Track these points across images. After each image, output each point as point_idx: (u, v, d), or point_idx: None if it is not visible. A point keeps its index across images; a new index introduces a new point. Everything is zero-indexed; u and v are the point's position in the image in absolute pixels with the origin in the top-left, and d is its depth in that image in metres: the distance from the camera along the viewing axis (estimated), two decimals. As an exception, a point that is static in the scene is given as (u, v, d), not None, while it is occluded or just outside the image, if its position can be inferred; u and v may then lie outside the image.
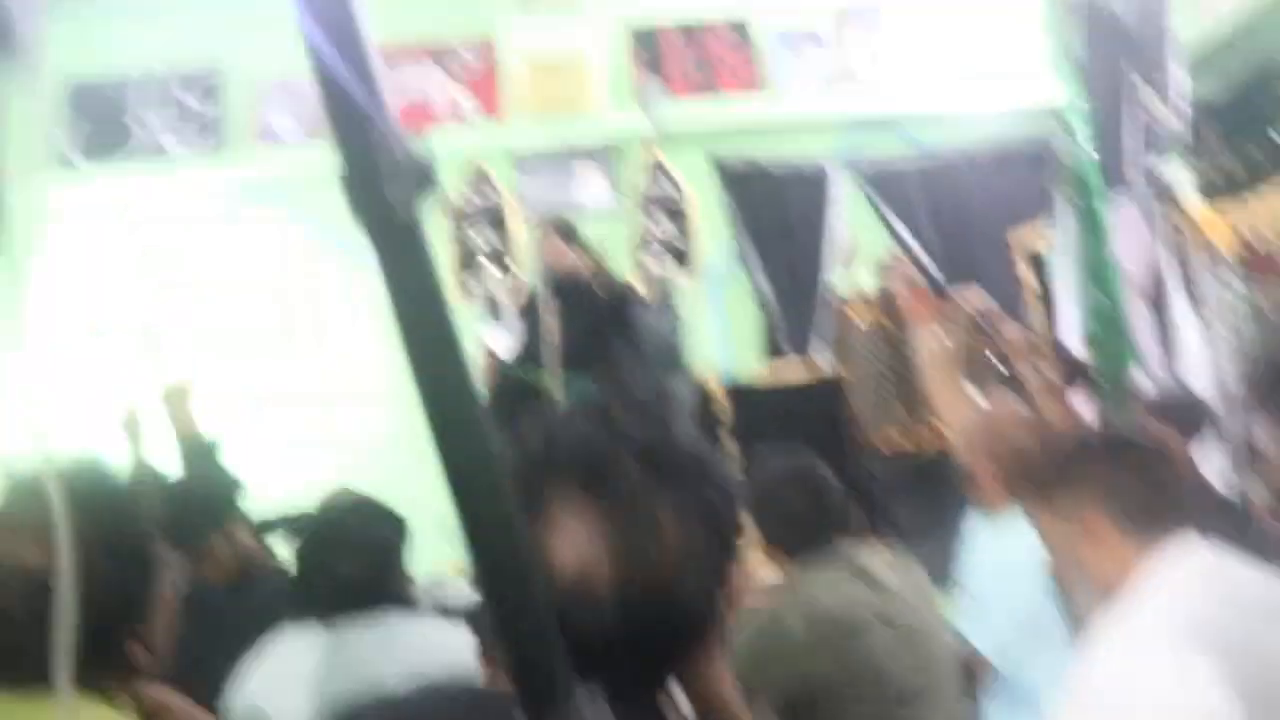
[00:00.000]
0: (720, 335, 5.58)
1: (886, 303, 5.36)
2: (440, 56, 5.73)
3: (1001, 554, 2.60)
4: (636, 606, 0.87)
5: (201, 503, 2.58)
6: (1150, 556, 1.61)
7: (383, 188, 0.60)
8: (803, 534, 2.50)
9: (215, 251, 5.58)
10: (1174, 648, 1.44)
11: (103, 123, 5.67)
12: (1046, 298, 5.44)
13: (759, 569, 2.58)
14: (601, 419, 0.94)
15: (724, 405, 4.78)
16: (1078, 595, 1.73)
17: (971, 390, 3.38)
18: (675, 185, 5.43)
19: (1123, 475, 1.68)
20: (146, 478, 3.13)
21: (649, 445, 0.92)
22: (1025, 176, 5.58)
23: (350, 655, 1.96)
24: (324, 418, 5.19)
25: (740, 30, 5.78)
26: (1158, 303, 4.88)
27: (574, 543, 0.87)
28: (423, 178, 0.62)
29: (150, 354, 4.45)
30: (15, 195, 5.48)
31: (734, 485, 0.98)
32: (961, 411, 2.95)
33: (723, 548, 0.94)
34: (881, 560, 2.55)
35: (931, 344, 3.07)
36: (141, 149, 5.65)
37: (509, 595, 0.67)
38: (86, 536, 1.16)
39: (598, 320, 4.23)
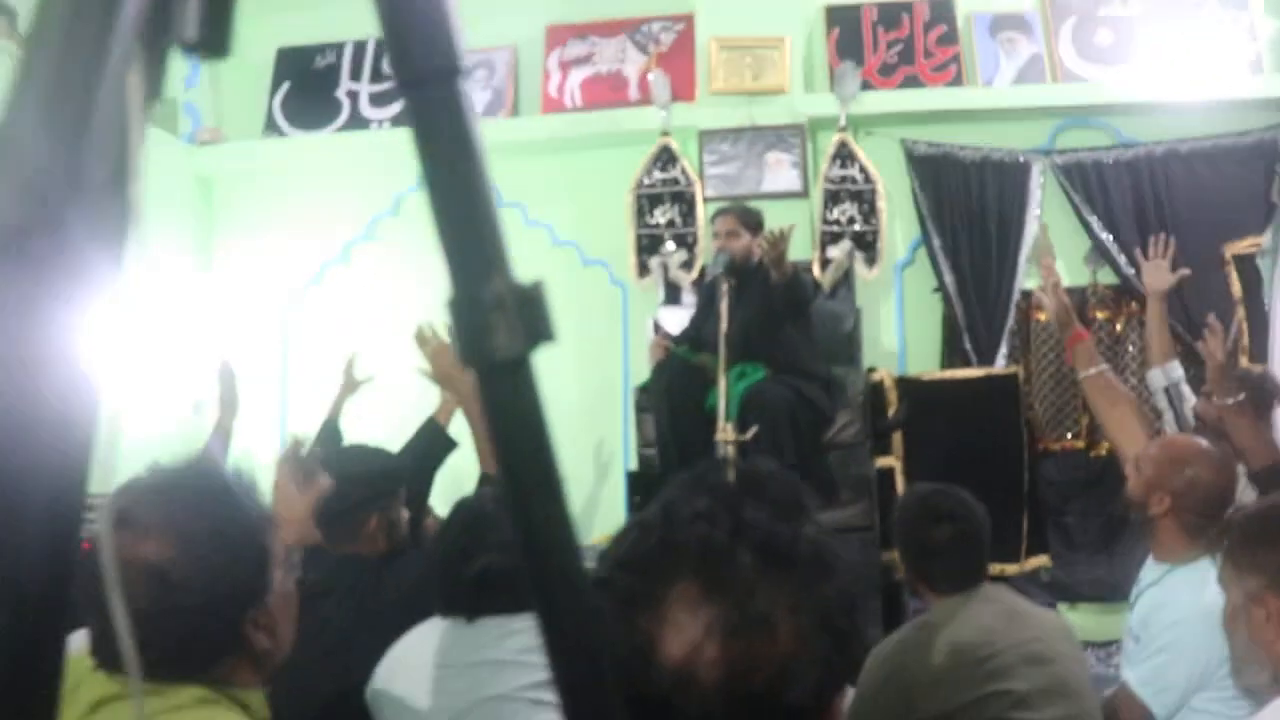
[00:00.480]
0: (899, 328, 5.47)
1: (1075, 301, 5.15)
2: (636, 32, 5.75)
3: (1177, 603, 2.50)
4: (740, 708, 0.85)
5: (366, 485, 2.67)
6: None
7: (489, 334, 0.60)
8: (947, 570, 2.50)
9: (406, 217, 5.76)
10: None
11: (309, 89, 5.90)
12: (1250, 305, 5.15)
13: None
14: (725, 502, 0.90)
15: (894, 399, 4.67)
16: (1246, 662, 1.63)
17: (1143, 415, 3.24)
18: (865, 172, 5.33)
19: None
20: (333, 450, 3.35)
21: (769, 537, 0.89)
22: (1243, 174, 5.27)
23: (485, 655, 2.01)
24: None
25: (943, 12, 5.58)
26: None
27: (682, 636, 0.85)
28: (535, 320, 0.61)
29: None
30: (223, 158, 5.82)
31: (855, 586, 0.94)
32: (1135, 435, 2.82)
33: (840, 655, 0.90)
34: (1024, 600, 2.55)
35: (1092, 370, 2.95)
36: (345, 116, 5.87)
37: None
38: (194, 529, 1.24)
39: (771, 308, 4.20)
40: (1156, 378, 3.31)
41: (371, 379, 4.34)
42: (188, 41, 0.56)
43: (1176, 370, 3.48)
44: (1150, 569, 2.67)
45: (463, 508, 2.25)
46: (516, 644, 2.01)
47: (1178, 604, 2.49)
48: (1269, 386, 4.21)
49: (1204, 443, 2.69)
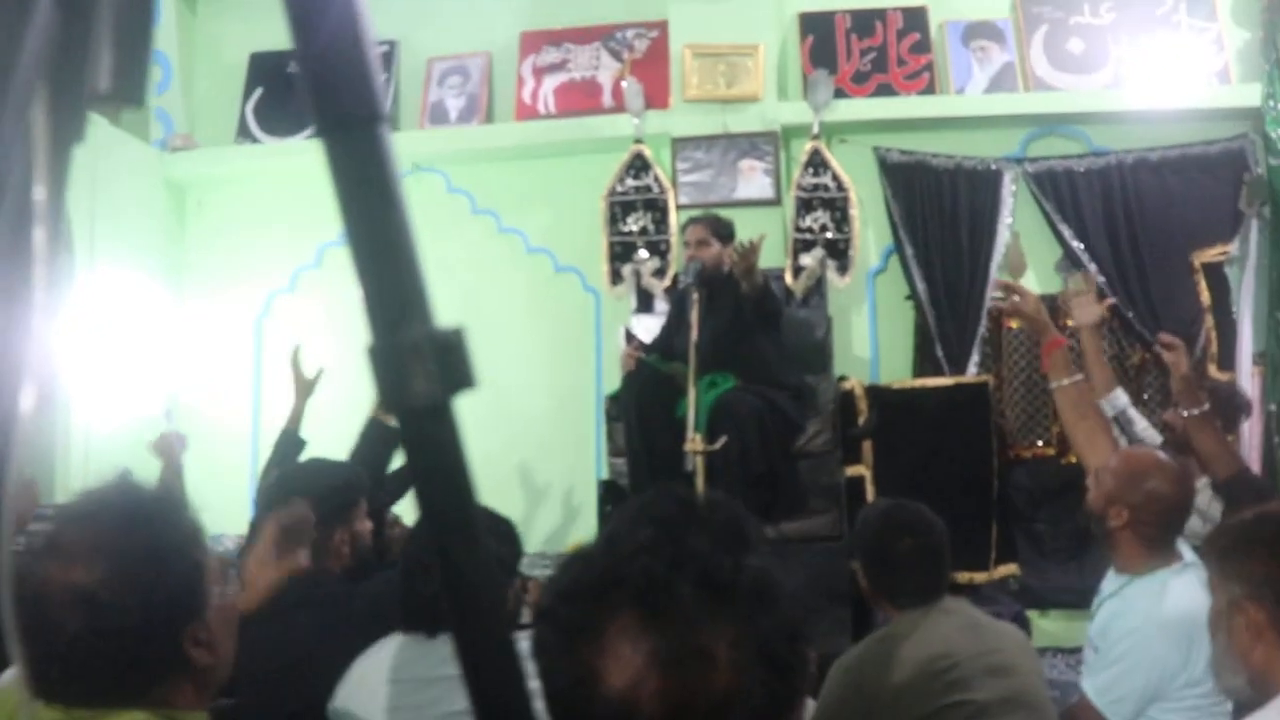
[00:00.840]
0: (872, 336, 5.48)
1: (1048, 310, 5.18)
2: (610, 39, 5.76)
3: (1134, 613, 2.53)
4: None
5: (326, 499, 2.65)
6: None
7: (407, 381, 0.60)
8: (908, 585, 2.51)
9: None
10: None
11: (283, 95, 5.88)
12: (1219, 314, 5.19)
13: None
14: (667, 533, 0.91)
15: (864, 408, 4.68)
16: (1224, 666, 1.64)
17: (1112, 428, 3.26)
18: (837, 179, 5.34)
19: None
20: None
21: (710, 568, 0.89)
22: (1211, 183, 5.31)
23: (445, 670, 2.00)
24: (472, 394, 5.27)
25: (916, 20, 5.61)
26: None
27: (623, 667, 0.86)
28: (455, 367, 0.61)
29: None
30: (195, 164, 5.80)
31: (800, 620, 0.93)
32: (1101, 450, 2.84)
33: (783, 685, 0.90)
34: (984, 614, 2.58)
35: (1066, 381, 2.96)
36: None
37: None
38: (123, 549, 1.24)
39: (741, 318, 4.22)
40: (1104, 408, 3.33)
41: (322, 373, 4.09)
42: (100, 91, 0.56)
43: (1120, 399, 3.51)
44: (1110, 580, 2.70)
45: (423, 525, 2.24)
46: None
47: (1134, 614, 2.51)
48: (1236, 399, 4.26)
49: (1162, 456, 2.71)
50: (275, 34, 5.87)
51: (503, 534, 2.25)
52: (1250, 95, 5.08)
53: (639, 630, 0.87)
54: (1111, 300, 4.15)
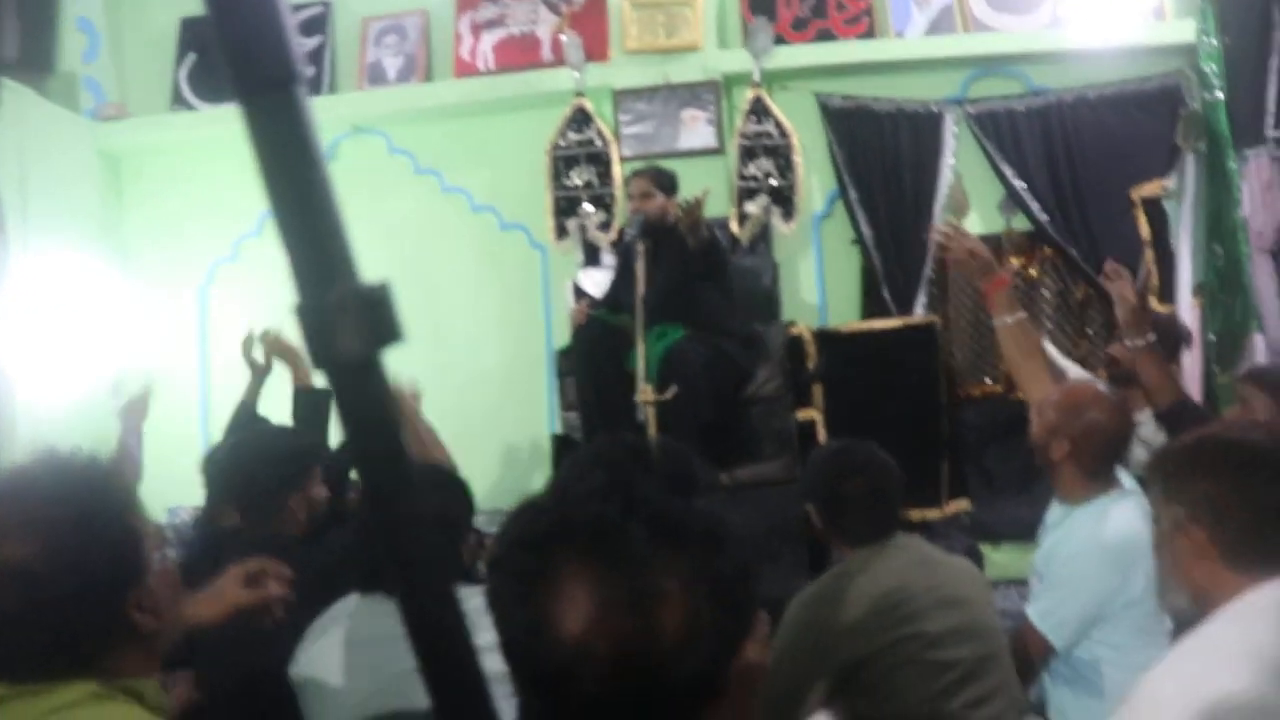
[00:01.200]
0: (819, 281, 5.51)
1: (990, 249, 5.24)
2: (546, -11, 5.71)
3: (1074, 538, 2.60)
4: (632, 680, 0.87)
5: (281, 465, 2.65)
6: (1257, 589, 1.50)
7: (334, 338, 0.60)
8: (860, 523, 2.55)
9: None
10: (1257, 686, 1.37)
11: (214, 59, 5.76)
12: (1158, 247, 5.26)
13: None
14: (618, 478, 0.92)
15: (813, 352, 4.73)
16: (1170, 587, 1.68)
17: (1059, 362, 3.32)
18: (780, 127, 5.35)
19: (1234, 499, 1.55)
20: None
21: (661, 512, 0.90)
22: (1148, 119, 5.36)
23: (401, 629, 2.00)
24: (421, 352, 5.26)
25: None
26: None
27: (577, 612, 0.87)
28: (381, 322, 0.62)
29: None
30: (129, 134, 5.69)
31: (749, 559, 0.95)
32: (1045, 386, 2.89)
33: (734, 623, 0.93)
34: (936, 548, 2.63)
35: (1009, 319, 3.00)
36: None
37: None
38: (55, 520, 1.23)
39: (687, 267, 4.23)
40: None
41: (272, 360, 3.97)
42: (6, 60, 0.56)
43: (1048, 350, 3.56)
44: (1054, 510, 2.76)
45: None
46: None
47: (1075, 540, 2.59)
48: (1176, 330, 4.34)
49: (1102, 388, 2.77)
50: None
51: (454, 491, 2.26)
52: (1185, 31, 5.12)
53: (591, 575, 0.88)
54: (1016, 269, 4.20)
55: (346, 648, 2.04)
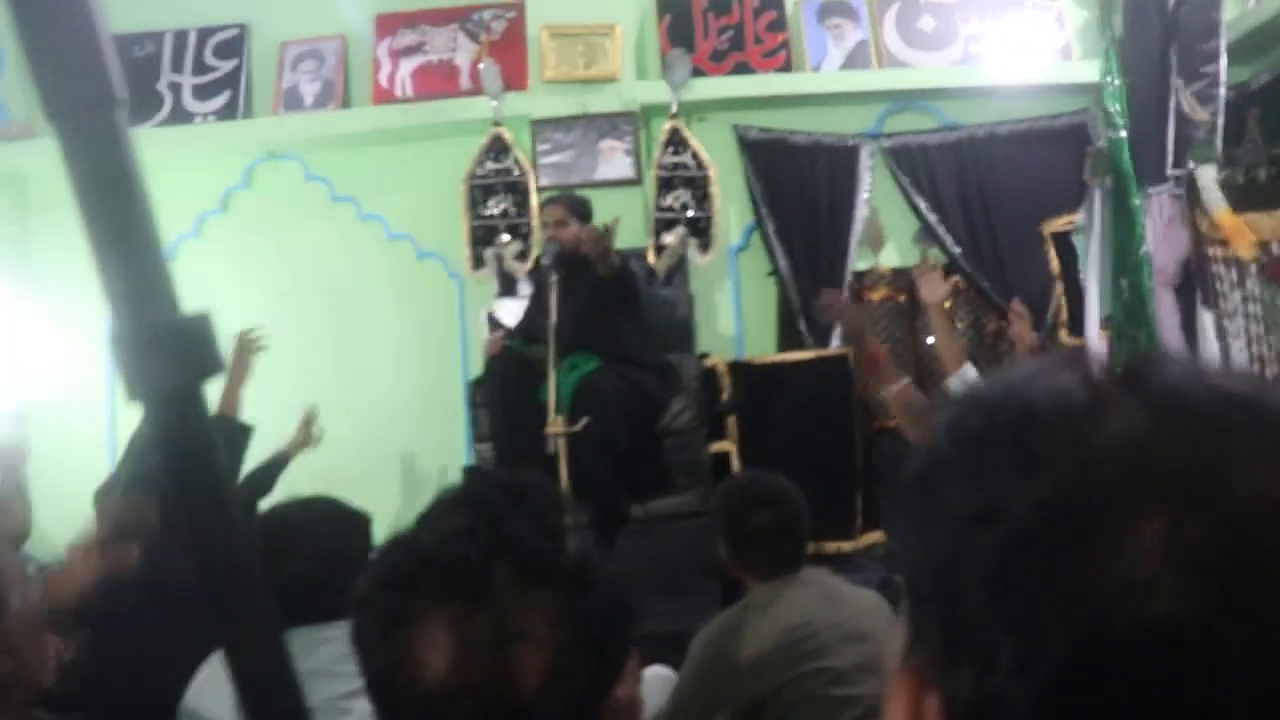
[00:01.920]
0: (736, 312, 5.54)
1: (904, 282, 5.32)
2: (467, 20, 5.69)
3: None
4: None
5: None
6: None
7: (149, 369, 0.58)
8: (767, 556, 2.55)
9: (235, 214, 5.62)
10: None
11: (128, 81, 5.64)
12: (1068, 281, 5.36)
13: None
14: (485, 517, 0.91)
15: (728, 383, 4.74)
16: None
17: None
18: (697, 158, 5.37)
19: None
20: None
21: (528, 552, 0.89)
22: (1057, 156, 5.48)
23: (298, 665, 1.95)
24: (337, 381, 5.20)
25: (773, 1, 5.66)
26: (1186, 298, 4.81)
27: (441, 653, 0.86)
28: (199, 353, 0.60)
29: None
30: (37, 154, 5.56)
31: (623, 598, 0.94)
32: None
33: (603, 665, 0.91)
34: (843, 582, 2.63)
35: (894, 387, 3.05)
36: (168, 109, 5.66)
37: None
38: None
39: (600, 297, 4.22)
40: (955, 385, 3.43)
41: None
42: None
43: (970, 372, 3.61)
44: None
45: (268, 517, 2.20)
46: (328, 653, 1.96)
47: None
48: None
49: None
50: (118, 16, 5.67)
51: (354, 525, 2.21)
52: (1091, 71, 5.24)
53: (456, 616, 0.87)
54: (956, 278, 4.27)
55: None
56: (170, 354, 0.59)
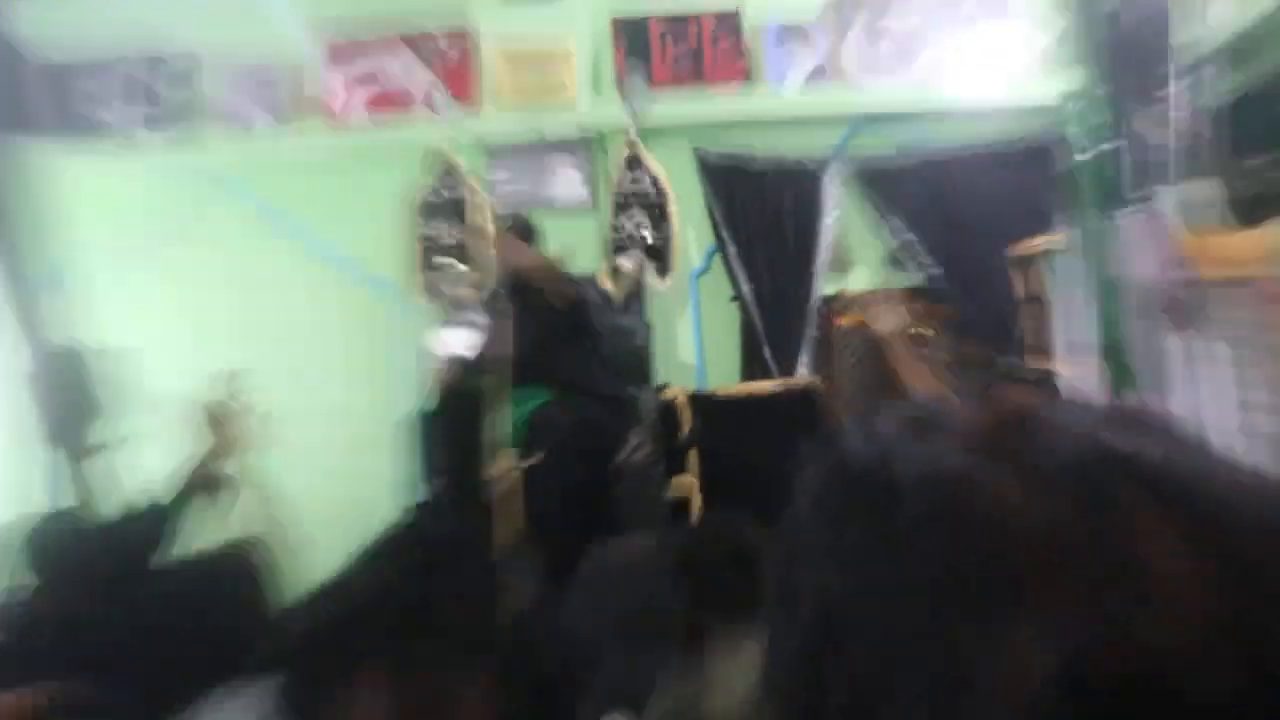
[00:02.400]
0: (698, 339, 5.41)
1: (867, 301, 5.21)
2: (416, 43, 5.55)
3: None
4: None
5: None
6: None
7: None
8: (731, 606, 2.40)
9: (179, 239, 5.45)
10: None
11: (69, 106, 5.50)
12: (1036, 304, 5.29)
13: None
14: (414, 579, 0.88)
15: (689, 416, 4.58)
16: None
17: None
18: (655, 181, 5.25)
19: None
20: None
21: (461, 617, 0.86)
22: (1022, 178, 5.40)
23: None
24: (282, 414, 5.01)
25: (729, 24, 5.55)
26: (1158, 321, 4.74)
27: (368, 716, 0.81)
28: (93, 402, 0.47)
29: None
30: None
31: (568, 655, 0.96)
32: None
33: None
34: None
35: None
36: (108, 133, 5.50)
37: None
38: None
39: (553, 326, 4.06)
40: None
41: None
42: None
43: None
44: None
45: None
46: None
47: None
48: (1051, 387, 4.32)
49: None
50: (64, 43, 5.50)
51: (253, 574, 2.06)
52: (1054, 93, 5.18)
53: (385, 679, 0.82)
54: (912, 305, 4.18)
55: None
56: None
